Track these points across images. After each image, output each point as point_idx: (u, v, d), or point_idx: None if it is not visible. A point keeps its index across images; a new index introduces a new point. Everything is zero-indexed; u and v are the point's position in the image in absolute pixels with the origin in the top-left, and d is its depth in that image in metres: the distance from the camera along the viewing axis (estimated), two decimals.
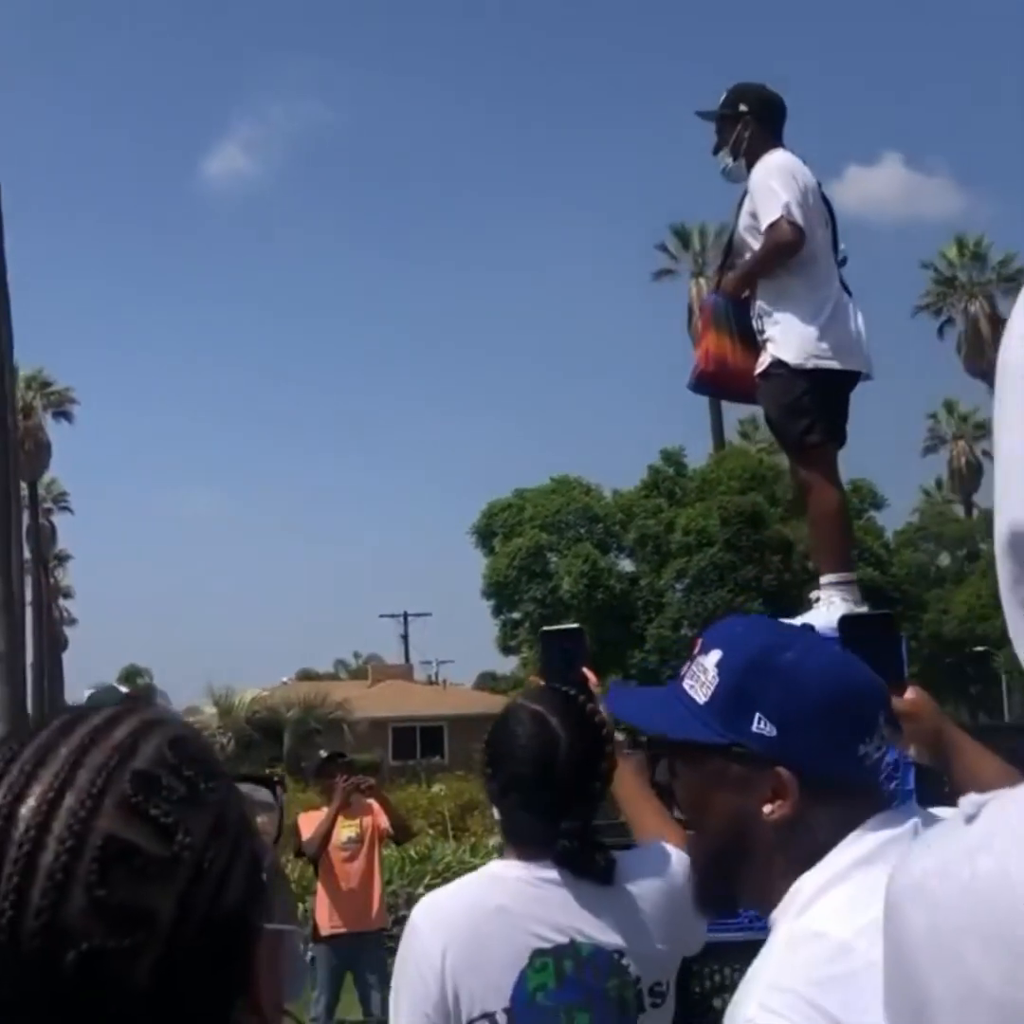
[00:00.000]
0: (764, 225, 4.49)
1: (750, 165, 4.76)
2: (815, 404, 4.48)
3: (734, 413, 41.61)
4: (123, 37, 77.00)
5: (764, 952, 1.28)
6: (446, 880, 13.68)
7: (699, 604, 28.98)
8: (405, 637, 50.63)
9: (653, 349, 69.92)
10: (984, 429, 43.20)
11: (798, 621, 4.56)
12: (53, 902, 0.70)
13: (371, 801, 7.43)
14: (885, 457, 48.97)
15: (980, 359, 37.76)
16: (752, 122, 4.79)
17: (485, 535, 31.41)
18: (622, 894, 2.10)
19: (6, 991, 0.70)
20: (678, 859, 2.21)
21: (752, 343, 4.71)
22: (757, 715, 1.33)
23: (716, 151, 4.92)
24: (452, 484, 75.57)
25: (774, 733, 1.32)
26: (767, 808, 1.32)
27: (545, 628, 2.70)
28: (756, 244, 4.62)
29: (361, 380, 79.11)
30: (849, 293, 4.61)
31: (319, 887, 7.42)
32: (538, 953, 2.02)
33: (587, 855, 2.06)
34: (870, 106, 68.61)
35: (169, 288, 75.95)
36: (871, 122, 71.56)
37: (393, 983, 2.09)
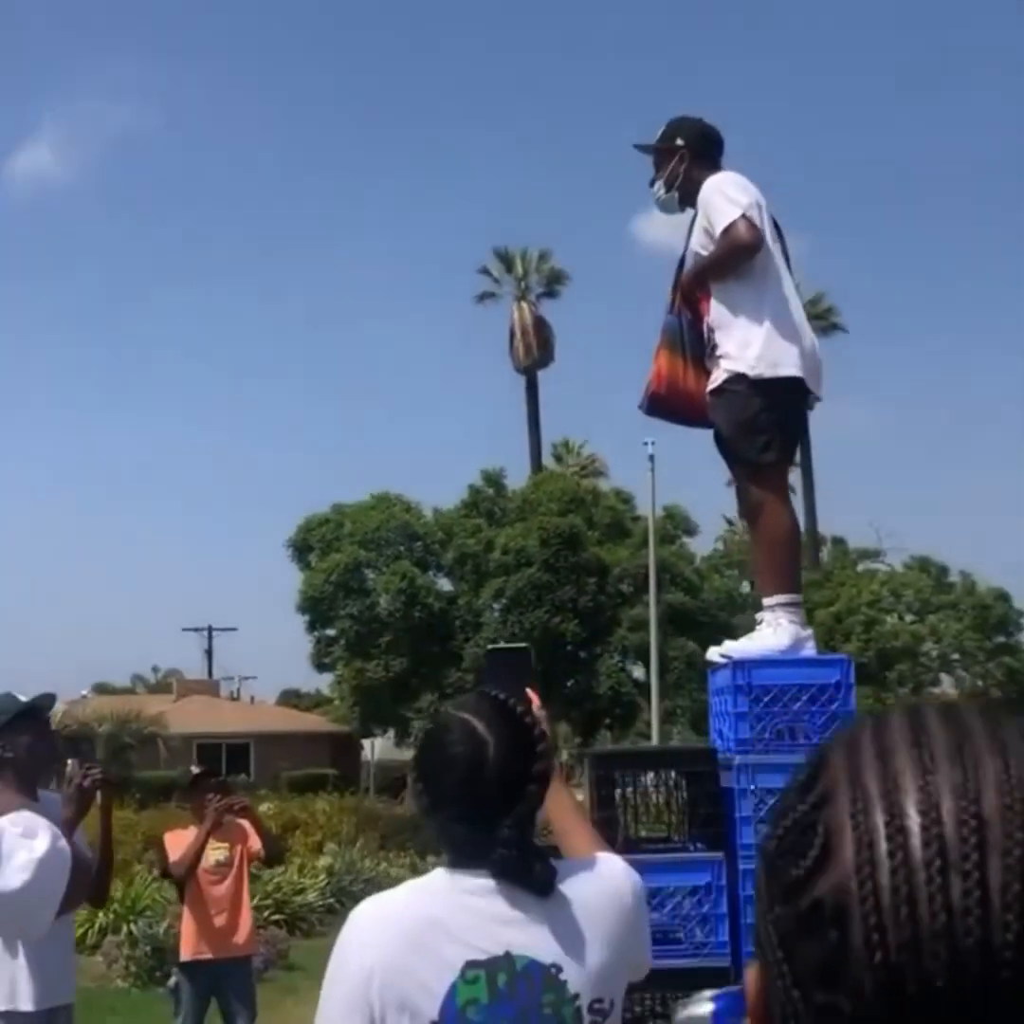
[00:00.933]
0: (719, 229, 4.46)
1: (685, 196, 4.76)
2: (774, 421, 4.45)
3: (550, 435, 42.19)
4: None
5: None
6: (275, 901, 13.26)
7: (516, 624, 29.05)
8: (209, 652, 49.47)
9: (475, 370, 70.37)
10: None
11: (742, 642, 4.58)
12: None
13: (243, 822, 7.15)
14: (697, 485, 50.09)
15: None
16: (689, 155, 4.79)
17: (302, 549, 30.90)
18: (563, 905, 2.02)
19: None
20: (625, 872, 2.18)
21: (704, 367, 4.67)
22: None
23: (652, 183, 4.90)
24: (268, 496, 74.39)
25: None
26: None
27: (491, 646, 2.63)
28: None
29: (173, 384, 77.28)
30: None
31: (185, 911, 7.08)
32: (470, 965, 1.94)
33: (525, 863, 1.98)
34: None
35: None
36: None
37: (323, 989, 2.01)
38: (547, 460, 40.48)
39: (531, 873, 1.98)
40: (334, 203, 72.85)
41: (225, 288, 73.41)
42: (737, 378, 4.46)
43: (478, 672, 29.21)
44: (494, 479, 32.31)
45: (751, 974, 0.71)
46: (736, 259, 4.47)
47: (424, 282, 71.44)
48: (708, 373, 4.62)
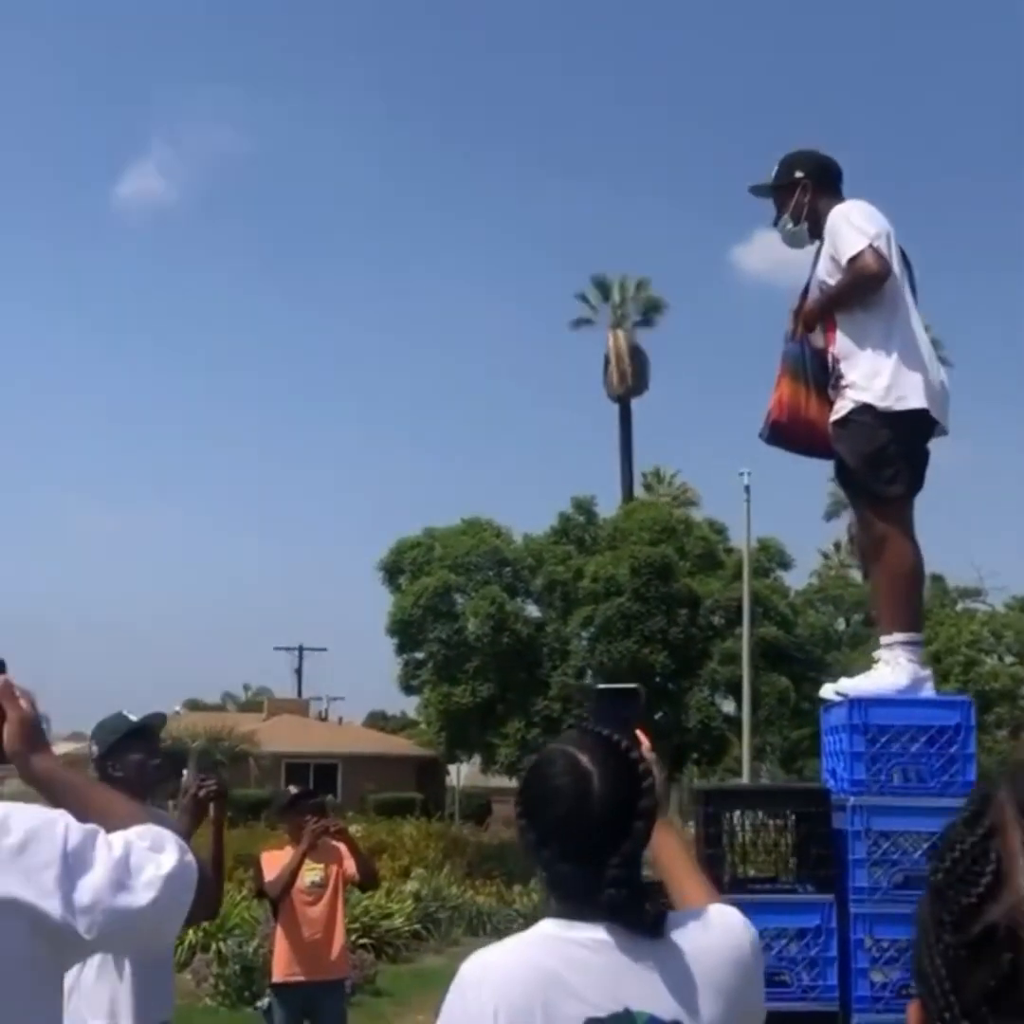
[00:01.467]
0: (846, 259, 4.39)
1: (814, 226, 4.69)
2: (901, 453, 4.36)
3: (642, 465, 42.03)
4: (42, 53, 75.73)
5: None
6: (363, 925, 13.17)
7: (604, 653, 28.89)
8: (299, 671, 49.85)
9: (569, 396, 70.44)
10: None
11: (858, 680, 4.47)
12: None
13: (338, 845, 7.14)
14: (792, 518, 49.72)
15: None
16: (811, 186, 4.72)
17: (392, 572, 31.02)
18: (679, 957, 1.95)
19: None
20: (743, 925, 2.10)
21: (826, 396, 4.59)
22: None
23: (776, 221, 4.82)
24: (361, 518, 74.93)
25: None
26: None
27: (600, 686, 2.55)
28: None
29: (271, 407, 78.38)
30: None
31: (278, 931, 7.09)
32: (591, 1022, 1.88)
33: (636, 903, 1.92)
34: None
35: (70, 302, 74.50)
36: None
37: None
38: (638, 489, 40.33)
39: (642, 914, 1.94)
40: (432, 226, 73.57)
41: (320, 313, 74.28)
42: (864, 409, 4.37)
43: (566, 703, 29.11)
44: (585, 506, 32.21)
45: (912, 1010, 0.73)
46: (863, 289, 4.39)
47: (522, 306, 71.72)
48: (831, 403, 4.54)
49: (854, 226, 4.42)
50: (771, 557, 31.69)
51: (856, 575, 44.61)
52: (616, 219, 69.21)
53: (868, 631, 35.38)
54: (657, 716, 30.22)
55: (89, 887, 1.84)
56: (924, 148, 70.69)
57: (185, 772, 5.22)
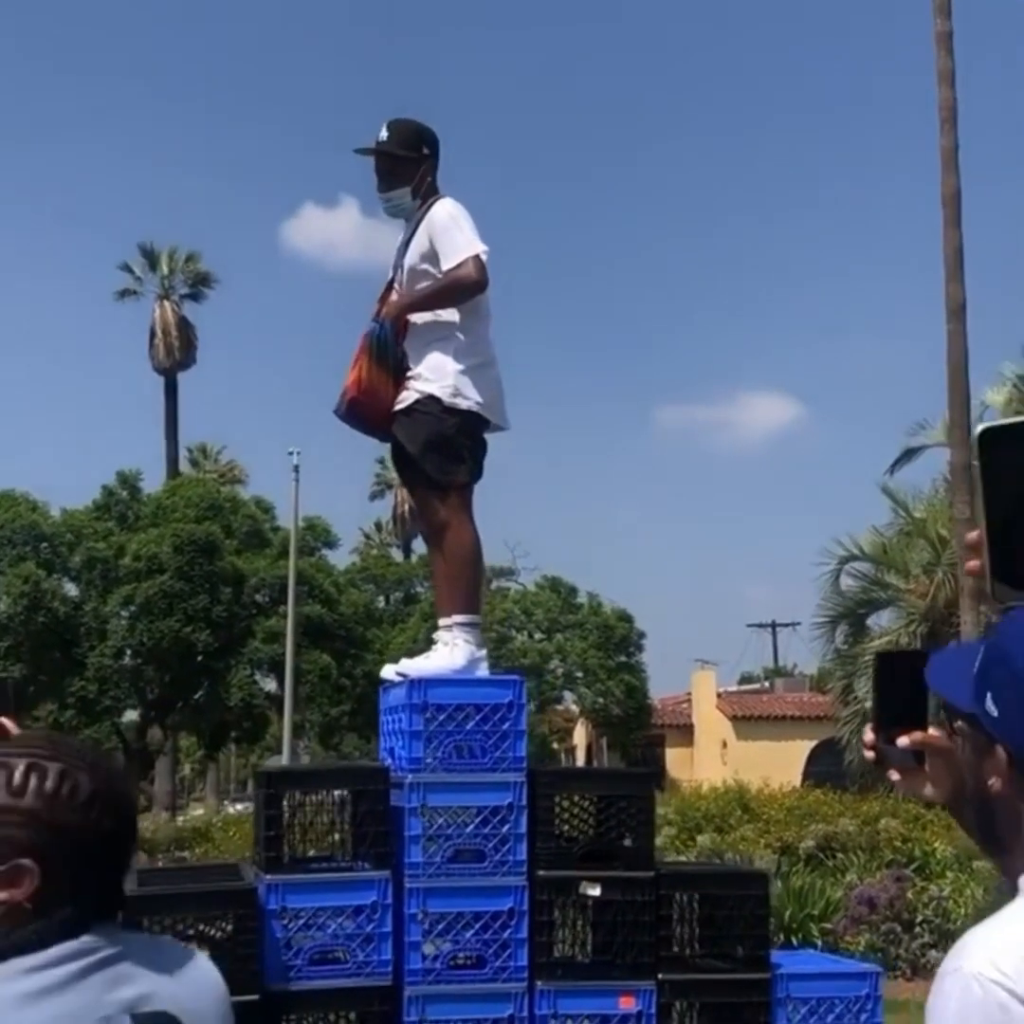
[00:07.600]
0: (450, 263, 4.47)
1: (421, 204, 4.70)
2: (464, 443, 4.52)
3: (188, 440, 41.19)
4: None
5: (1009, 913, 1.39)
6: None
7: (145, 633, 28.23)
8: None
9: (113, 368, 67.58)
10: None
11: (418, 661, 4.59)
12: None
13: None
14: (336, 497, 50.12)
15: None
16: (430, 165, 4.74)
17: None
18: None
19: None
20: None
21: (400, 379, 4.64)
22: (988, 695, 1.46)
23: (388, 189, 4.73)
24: None
25: (996, 713, 1.45)
26: (991, 780, 1.47)
27: None
28: (429, 281, 4.57)
29: None
30: None
31: None
32: None
33: None
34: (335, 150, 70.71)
35: None
36: (333, 165, 73.62)
37: None
38: (184, 466, 39.56)
39: None
40: None
41: None
42: (430, 400, 4.49)
43: (102, 684, 28.14)
44: (129, 481, 31.29)
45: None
46: (462, 295, 4.50)
47: (62, 274, 68.26)
48: (399, 388, 4.61)
49: (464, 232, 4.49)
50: (317, 536, 31.98)
51: (398, 554, 45.81)
52: (164, 191, 67.25)
53: (408, 609, 36.36)
54: (197, 695, 29.81)
55: None
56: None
57: None
